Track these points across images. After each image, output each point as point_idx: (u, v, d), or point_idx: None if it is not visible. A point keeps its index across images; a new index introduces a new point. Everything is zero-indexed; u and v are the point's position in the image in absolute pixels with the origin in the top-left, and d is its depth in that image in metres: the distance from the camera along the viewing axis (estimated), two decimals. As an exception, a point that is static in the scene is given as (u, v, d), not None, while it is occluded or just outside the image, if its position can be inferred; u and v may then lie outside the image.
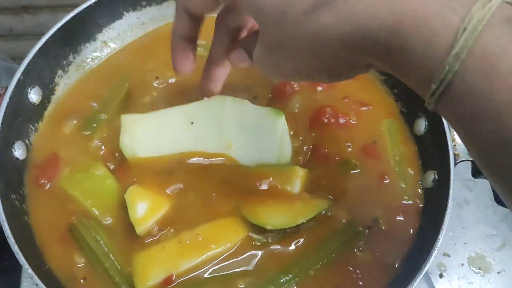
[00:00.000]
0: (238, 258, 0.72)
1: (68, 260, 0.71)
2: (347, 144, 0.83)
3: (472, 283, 0.96)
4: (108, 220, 0.74)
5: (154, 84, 0.87)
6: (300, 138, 0.82)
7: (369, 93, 0.91)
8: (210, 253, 0.70)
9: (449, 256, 0.99)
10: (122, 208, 0.73)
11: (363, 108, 0.88)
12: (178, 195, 0.75)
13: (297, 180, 0.76)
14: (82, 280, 0.70)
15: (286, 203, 0.74)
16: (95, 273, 0.71)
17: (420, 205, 0.80)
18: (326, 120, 0.84)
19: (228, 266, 0.71)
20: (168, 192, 0.75)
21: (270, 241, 0.73)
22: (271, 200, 0.74)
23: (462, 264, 0.98)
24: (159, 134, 0.76)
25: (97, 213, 0.74)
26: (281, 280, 0.71)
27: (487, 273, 0.98)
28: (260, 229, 0.72)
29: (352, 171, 0.81)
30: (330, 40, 0.47)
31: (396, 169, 0.83)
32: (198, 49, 0.69)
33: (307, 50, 0.50)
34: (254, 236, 0.73)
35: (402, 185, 0.82)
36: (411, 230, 0.77)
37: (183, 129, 0.76)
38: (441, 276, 0.97)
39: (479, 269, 0.98)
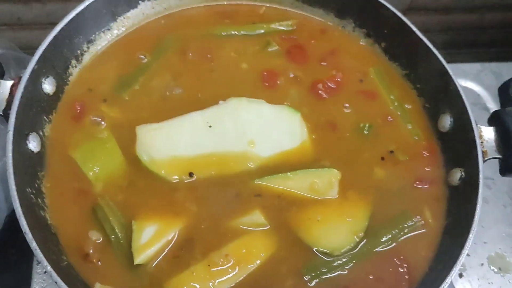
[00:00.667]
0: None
1: (83, 242, 0.70)
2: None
3: (492, 283, 0.95)
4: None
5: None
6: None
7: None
8: (245, 274, 0.69)
9: (468, 255, 0.97)
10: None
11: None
12: (195, 212, 0.73)
13: (336, 183, 0.76)
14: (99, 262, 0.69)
15: (333, 214, 0.73)
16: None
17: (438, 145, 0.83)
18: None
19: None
20: (184, 210, 0.73)
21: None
22: (313, 212, 0.73)
23: (482, 264, 0.97)
24: (177, 140, 0.75)
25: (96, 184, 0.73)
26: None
27: (507, 273, 0.96)
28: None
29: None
30: None
31: (398, 113, 0.86)
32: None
33: None
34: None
35: (409, 127, 0.84)
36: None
37: (202, 132, 0.76)
38: (460, 275, 0.95)
39: (499, 269, 0.96)
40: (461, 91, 0.79)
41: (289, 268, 0.71)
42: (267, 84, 0.86)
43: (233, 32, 0.92)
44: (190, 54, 0.88)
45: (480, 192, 0.72)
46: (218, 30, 0.92)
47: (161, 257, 0.69)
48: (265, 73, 0.87)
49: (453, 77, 0.81)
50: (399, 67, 0.91)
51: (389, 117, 0.85)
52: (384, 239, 0.74)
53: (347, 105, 0.85)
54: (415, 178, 0.80)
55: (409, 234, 0.75)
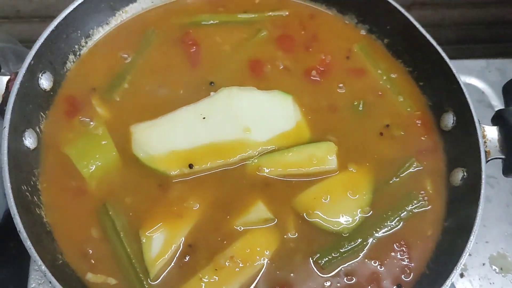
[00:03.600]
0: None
1: (82, 243, 0.69)
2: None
3: (493, 283, 0.94)
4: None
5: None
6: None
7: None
8: (252, 272, 0.68)
9: (470, 255, 0.95)
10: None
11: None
12: (196, 213, 0.72)
13: (333, 156, 0.76)
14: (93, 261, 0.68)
15: (338, 190, 0.74)
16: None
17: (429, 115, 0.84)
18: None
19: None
20: (185, 212, 0.72)
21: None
22: (318, 190, 0.74)
23: (484, 264, 0.96)
24: (173, 134, 0.75)
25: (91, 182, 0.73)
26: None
27: (508, 273, 0.95)
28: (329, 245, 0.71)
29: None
30: None
31: (388, 86, 0.86)
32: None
33: None
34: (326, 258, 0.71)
35: (400, 99, 0.85)
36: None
37: (197, 125, 0.75)
38: (462, 275, 0.94)
39: (501, 269, 0.95)
40: (465, 90, 0.78)
41: (303, 256, 0.71)
42: (256, 73, 0.86)
43: (224, 20, 0.91)
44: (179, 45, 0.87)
45: (483, 193, 0.71)
46: (208, 19, 0.90)
47: (169, 267, 0.69)
48: (254, 62, 0.87)
49: (457, 75, 0.79)
50: (402, 64, 0.89)
51: (380, 92, 0.86)
52: (390, 220, 0.74)
53: (341, 85, 0.85)
54: (413, 149, 0.81)
55: (416, 211, 0.75)
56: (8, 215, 0.92)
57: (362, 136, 0.81)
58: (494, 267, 0.95)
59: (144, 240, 0.68)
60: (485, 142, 0.76)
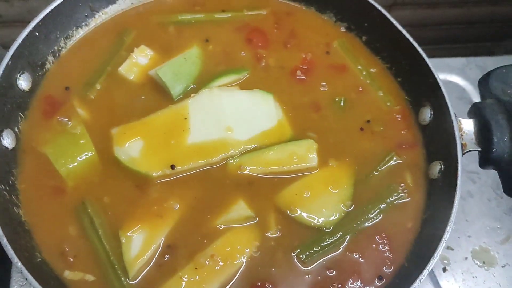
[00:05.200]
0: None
1: (60, 242, 0.69)
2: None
3: (476, 277, 0.94)
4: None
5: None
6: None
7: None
8: (233, 270, 0.69)
9: (452, 249, 0.96)
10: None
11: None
12: (176, 213, 0.72)
13: (314, 154, 0.77)
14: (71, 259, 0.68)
15: (319, 185, 0.75)
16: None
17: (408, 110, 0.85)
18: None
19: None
20: (165, 212, 0.72)
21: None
22: (299, 186, 0.74)
23: (466, 258, 0.96)
24: (154, 136, 0.75)
25: (69, 181, 0.73)
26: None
27: (491, 267, 0.96)
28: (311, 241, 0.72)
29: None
30: None
31: (368, 81, 0.87)
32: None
33: None
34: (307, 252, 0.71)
35: (380, 94, 0.86)
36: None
37: (178, 126, 0.76)
38: (444, 270, 0.95)
39: (483, 263, 0.96)
40: (441, 84, 0.79)
41: (284, 252, 0.71)
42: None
43: (199, 18, 0.91)
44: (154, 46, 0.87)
45: (459, 184, 0.72)
46: (183, 17, 0.91)
47: (148, 267, 0.69)
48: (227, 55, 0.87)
49: (433, 69, 0.80)
50: (381, 60, 0.90)
51: (360, 88, 0.87)
52: (371, 213, 0.75)
53: (324, 83, 0.86)
54: (393, 143, 0.81)
55: (397, 203, 0.76)
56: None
57: (343, 132, 0.82)
58: (476, 261, 0.96)
59: (124, 240, 0.68)
60: (461, 135, 0.76)
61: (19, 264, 0.60)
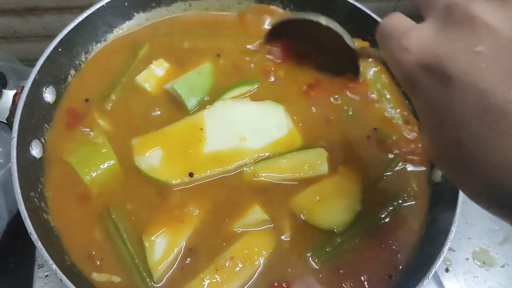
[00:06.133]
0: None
1: (87, 246, 0.73)
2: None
3: (477, 276, 0.99)
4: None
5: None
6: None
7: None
8: (252, 271, 0.73)
9: (454, 251, 1.01)
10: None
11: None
12: (196, 218, 0.76)
13: (324, 161, 0.81)
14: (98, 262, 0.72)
15: (329, 191, 0.78)
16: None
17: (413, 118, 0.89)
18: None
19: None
20: (186, 217, 0.75)
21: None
22: (311, 192, 0.78)
23: (467, 259, 1.01)
24: (172, 145, 0.79)
25: (93, 189, 0.76)
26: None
27: (491, 267, 1.00)
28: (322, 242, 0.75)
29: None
30: None
31: (377, 88, 0.92)
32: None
33: None
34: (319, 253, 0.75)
35: (387, 102, 0.91)
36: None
37: (195, 136, 0.80)
38: (447, 270, 0.99)
39: (483, 263, 1.00)
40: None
41: (299, 253, 0.75)
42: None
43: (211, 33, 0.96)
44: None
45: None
46: (196, 33, 0.95)
47: (171, 269, 0.72)
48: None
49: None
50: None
51: (368, 98, 0.91)
52: (379, 216, 0.79)
53: (336, 96, 0.90)
54: (399, 150, 0.85)
55: (403, 205, 0.81)
56: (6, 229, 0.95)
57: (351, 140, 0.86)
58: (477, 261, 1.00)
59: (147, 245, 0.72)
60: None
61: (54, 266, 0.64)
